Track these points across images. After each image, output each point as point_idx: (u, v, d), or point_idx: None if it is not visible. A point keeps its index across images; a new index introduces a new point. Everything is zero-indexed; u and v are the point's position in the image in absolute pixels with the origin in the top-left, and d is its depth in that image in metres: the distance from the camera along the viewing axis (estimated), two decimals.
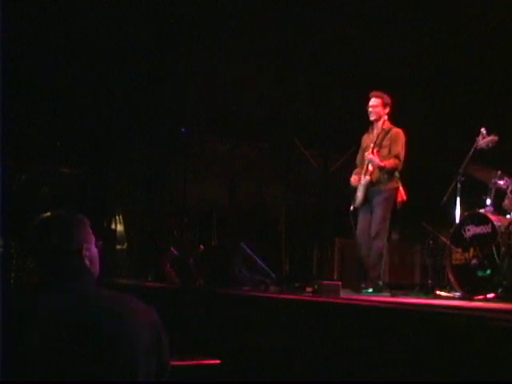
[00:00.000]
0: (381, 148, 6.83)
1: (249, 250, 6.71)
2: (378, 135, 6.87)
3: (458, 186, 6.69)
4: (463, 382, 2.99)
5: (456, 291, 6.29)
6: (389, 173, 6.79)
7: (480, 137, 6.61)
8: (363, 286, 6.87)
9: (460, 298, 6.00)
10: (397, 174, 6.86)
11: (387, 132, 6.86)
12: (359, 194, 6.90)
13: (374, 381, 3.51)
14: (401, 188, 6.86)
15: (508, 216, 6.27)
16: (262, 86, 9.69)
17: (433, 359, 3.15)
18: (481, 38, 8.33)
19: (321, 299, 4.64)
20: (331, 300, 4.47)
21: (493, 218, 6.18)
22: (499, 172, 6.44)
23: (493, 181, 6.46)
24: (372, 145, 6.84)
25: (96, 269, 2.48)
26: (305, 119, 10.33)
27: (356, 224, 7.05)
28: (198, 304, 5.89)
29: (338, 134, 10.41)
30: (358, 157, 7.19)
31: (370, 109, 6.88)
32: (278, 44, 9.06)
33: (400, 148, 6.79)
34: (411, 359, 3.26)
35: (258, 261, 6.64)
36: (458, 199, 6.71)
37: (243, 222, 10.70)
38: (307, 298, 4.76)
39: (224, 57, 9.34)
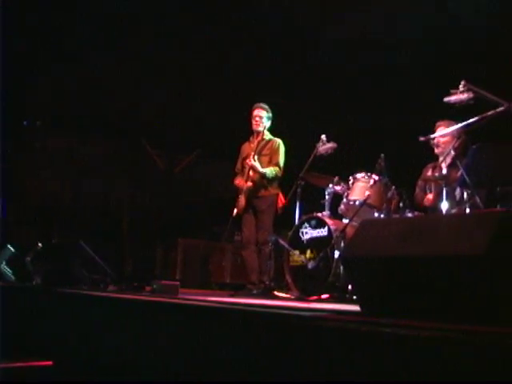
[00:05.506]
0: (261, 156, 7.11)
1: (88, 249, 6.58)
2: (258, 144, 7.15)
3: (298, 190, 6.92)
4: (291, 381, 3.07)
5: (293, 292, 6.48)
6: (269, 179, 7.08)
7: (320, 143, 6.88)
8: (249, 287, 7.08)
9: (296, 299, 6.17)
10: (277, 181, 7.19)
11: (267, 142, 7.20)
12: (242, 200, 7.07)
13: (214, 380, 3.54)
14: (280, 194, 7.12)
15: (344, 220, 6.54)
16: (110, 83, 9.54)
17: (264, 358, 3.22)
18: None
19: (156, 299, 4.64)
20: (167, 300, 4.48)
21: (329, 221, 6.42)
22: (336, 178, 6.72)
23: (330, 186, 6.73)
24: (253, 153, 7.08)
25: None
26: (152, 119, 10.28)
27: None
28: (34, 303, 5.71)
29: (183, 135, 10.45)
30: (238, 165, 7.46)
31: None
32: (127, 44, 8.92)
33: (280, 157, 7.13)
34: (243, 358, 3.32)
35: (98, 260, 6.53)
36: (298, 203, 6.95)
37: (87, 220, 10.50)
38: (143, 298, 4.74)
39: (73, 53, 9.08)
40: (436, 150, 6.32)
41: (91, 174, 10.97)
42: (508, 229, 2.96)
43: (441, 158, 6.12)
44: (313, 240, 6.50)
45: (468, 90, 5.20)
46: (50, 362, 4.16)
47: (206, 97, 9.72)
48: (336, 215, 6.66)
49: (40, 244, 7.37)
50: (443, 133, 6.13)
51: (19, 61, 9.02)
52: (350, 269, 3.77)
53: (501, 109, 5.01)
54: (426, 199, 6.32)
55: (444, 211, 5.53)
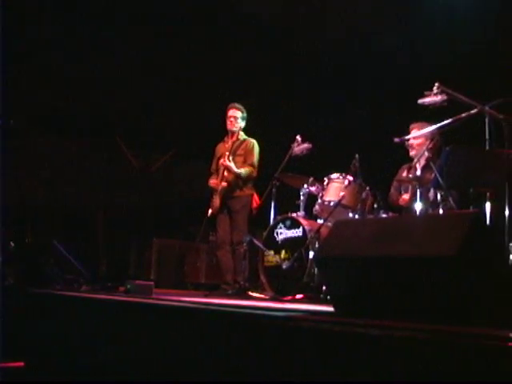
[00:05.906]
0: (235, 156, 7.11)
1: (61, 249, 6.54)
2: (232, 144, 7.16)
3: (273, 190, 6.93)
4: (265, 381, 3.07)
5: (268, 292, 6.49)
6: (244, 180, 7.10)
7: (295, 144, 6.90)
8: (224, 287, 7.06)
9: (270, 299, 6.17)
10: (251, 181, 7.18)
11: (242, 142, 7.21)
12: (216, 200, 7.06)
13: (188, 380, 3.53)
14: (255, 194, 7.13)
15: (319, 221, 6.56)
16: (85, 82, 9.47)
17: (238, 358, 3.22)
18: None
19: (130, 299, 4.62)
20: (141, 300, 4.46)
21: (303, 222, 6.43)
22: (311, 178, 6.74)
23: (305, 186, 6.74)
24: (227, 153, 7.07)
25: None
26: (127, 118, 10.22)
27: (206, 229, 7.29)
28: (6, 303, 5.65)
29: (159, 135, 10.40)
30: (213, 165, 7.45)
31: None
32: (105, 43, 8.84)
33: (254, 157, 7.14)
34: (217, 358, 3.31)
35: (71, 259, 6.49)
36: (273, 203, 6.95)
37: (60, 219, 10.42)
38: (117, 298, 4.71)
39: (52, 51, 8.99)
40: (410, 152, 6.37)
41: (65, 174, 10.89)
42: (480, 230, 2.99)
43: (415, 160, 6.17)
44: (287, 240, 6.51)
45: (442, 92, 5.23)
46: (21, 363, 4.11)
47: (182, 96, 9.69)
48: (311, 216, 6.68)
49: (12, 243, 7.31)
50: (417, 134, 6.17)
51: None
52: (323, 269, 3.78)
53: (474, 111, 5.05)
54: (401, 199, 6.37)
55: (418, 212, 5.57)
